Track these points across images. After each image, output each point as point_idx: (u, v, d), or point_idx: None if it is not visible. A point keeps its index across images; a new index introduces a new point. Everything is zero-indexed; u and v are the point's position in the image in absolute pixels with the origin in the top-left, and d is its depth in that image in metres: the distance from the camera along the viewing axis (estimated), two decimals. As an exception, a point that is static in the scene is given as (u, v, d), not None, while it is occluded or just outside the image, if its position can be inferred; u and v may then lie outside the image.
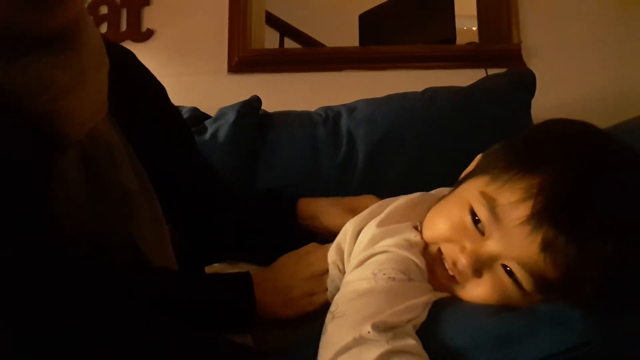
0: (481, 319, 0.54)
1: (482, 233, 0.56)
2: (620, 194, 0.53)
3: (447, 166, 1.22)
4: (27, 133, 0.56)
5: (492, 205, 0.55)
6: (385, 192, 1.27)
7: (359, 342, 0.50)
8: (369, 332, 0.50)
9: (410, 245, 0.60)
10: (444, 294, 0.59)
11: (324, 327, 0.55)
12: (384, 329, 0.51)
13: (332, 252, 0.68)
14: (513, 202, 0.53)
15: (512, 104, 1.33)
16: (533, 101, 1.35)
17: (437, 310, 0.56)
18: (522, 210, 0.52)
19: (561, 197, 0.52)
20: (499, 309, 0.55)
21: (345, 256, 0.66)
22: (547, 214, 0.51)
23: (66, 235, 0.57)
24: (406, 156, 1.27)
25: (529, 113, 1.33)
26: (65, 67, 0.63)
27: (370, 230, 0.63)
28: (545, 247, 0.51)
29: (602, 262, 0.51)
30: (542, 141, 0.58)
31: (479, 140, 1.22)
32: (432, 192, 0.72)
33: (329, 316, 0.56)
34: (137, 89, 0.81)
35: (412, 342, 0.51)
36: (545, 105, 1.37)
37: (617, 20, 1.69)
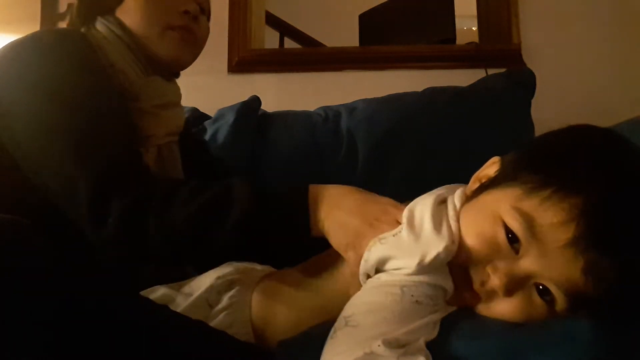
0: (491, 334, 0.54)
1: (516, 251, 0.54)
2: None
3: (447, 166, 1.23)
4: (128, 122, 0.83)
5: (529, 223, 0.52)
6: (385, 192, 1.27)
7: (369, 357, 0.49)
8: (379, 345, 0.49)
9: (443, 268, 0.57)
10: (452, 308, 0.58)
11: (333, 329, 0.55)
12: (396, 345, 0.50)
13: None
14: (555, 222, 0.51)
15: (512, 104, 1.33)
16: (533, 101, 1.34)
17: (447, 324, 0.55)
18: (564, 233, 0.50)
19: (606, 220, 0.50)
20: (510, 324, 0.54)
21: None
22: (591, 238, 0.49)
23: None
24: (406, 156, 1.27)
25: (529, 113, 1.32)
26: (172, 91, 0.98)
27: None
28: (589, 270, 0.50)
29: None
30: (579, 156, 0.54)
31: (478, 141, 1.24)
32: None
33: (341, 320, 0.55)
34: (200, 145, 1.13)
35: (422, 359, 0.50)
36: (545, 105, 1.37)
37: (617, 20, 1.69)
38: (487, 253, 0.55)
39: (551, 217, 0.51)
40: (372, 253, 0.60)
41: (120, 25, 0.90)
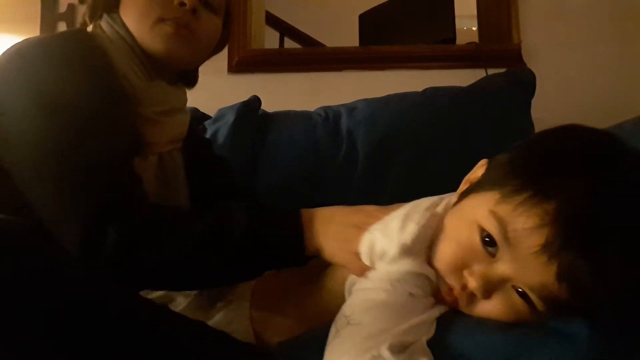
0: (489, 334, 0.54)
1: (492, 254, 0.54)
2: (636, 216, 0.51)
3: (447, 166, 1.23)
4: (129, 128, 0.80)
5: (504, 228, 0.53)
6: (385, 192, 1.28)
7: None
8: (386, 349, 0.50)
9: (425, 263, 0.59)
10: (446, 307, 0.59)
11: (335, 330, 0.55)
12: (400, 349, 0.51)
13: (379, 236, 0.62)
14: (527, 228, 0.51)
15: (512, 104, 1.33)
16: (533, 101, 1.34)
17: (445, 324, 0.56)
18: (537, 239, 0.50)
19: (579, 226, 0.50)
20: (508, 324, 0.55)
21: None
22: (564, 244, 0.49)
23: None
24: (406, 156, 1.27)
25: (529, 113, 1.32)
26: (177, 96, 0.94)
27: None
28: (562, 276, 0.50)
29: (619, 286, 0.50)
30: (557, 161, 0.54)
31: (478, 141, 1.24)
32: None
33: (342, 320, 0.56)
34: (202, 144, 1.11)
35: None
36: (545, 105, 1.37)
37: (617, 20, 1.69)
38: (464, 258, 0.56)
39: (523, 222, 0.52)
40: (363, 242, 0.63)
41: (123, 24, 0.87)
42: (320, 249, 0.68)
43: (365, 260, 0.62)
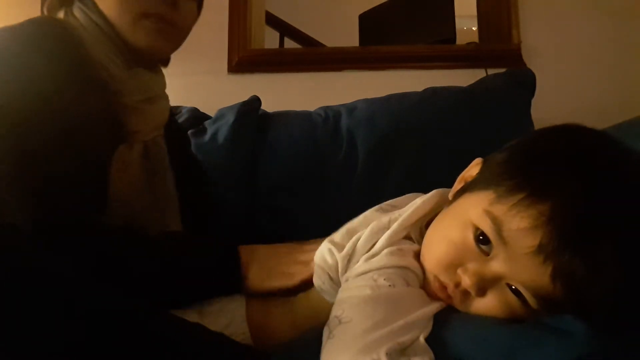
0: (487, 330, 0.54)
1: (485, 253, 0.55)
2: (631, 216, 0.51)
3: (447, 166, 1.22)
4: (110, 117, 0.78)
5: (498, 227, 0.53)
6: (385, 192, 1.27)
7: None
8: (386, 353, 0.50)
9: (404, 254, 0.61)
10: (444, 304, 0.59)
11: (328, 331, 0.56)
12: (398, 352, 0.51)
13: (326, 255, 0.67)
14: (522, 229, 0.52)
15: (512, 104, 1.33)
16: (533, 101, 1.35)
17: (443, 321, 0.56)
18: (532, 239, 0.51)
19: (573, 227, 0.50)
20: (505, 320, 0.55)
21: (345, 262, 0.65)
22: (559, 245, 0.50)
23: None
24: (406, 156, 1.27)
25: (529, 113, 1.33)
26: (157, 83, 0.91)
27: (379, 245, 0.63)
28: (557, 276, 0.50)
29: (613, 285, 0.50)
30: (551, 162, 0.54)
31: (479, 140, 1.23)
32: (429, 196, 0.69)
33: (334, 320, 0.56)
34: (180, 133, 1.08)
35: None
36: (545, 105, 1.37)
37: (617, 21, 1.69)
38: (457, 256, 0.57)
39: (518, 223, 0.52)
40: (319, 251, 0.68)
41: (98, 11, 0.81)
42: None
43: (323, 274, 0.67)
